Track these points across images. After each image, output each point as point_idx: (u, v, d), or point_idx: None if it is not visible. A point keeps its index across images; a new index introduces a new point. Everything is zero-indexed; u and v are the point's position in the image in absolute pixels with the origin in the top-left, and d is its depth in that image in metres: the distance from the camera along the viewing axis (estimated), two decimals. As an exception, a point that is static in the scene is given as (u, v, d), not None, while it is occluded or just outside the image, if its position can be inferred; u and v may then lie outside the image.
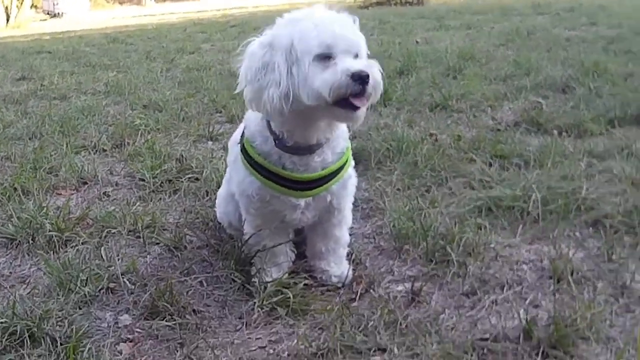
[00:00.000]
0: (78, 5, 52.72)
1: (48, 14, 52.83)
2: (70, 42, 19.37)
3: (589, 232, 3.73)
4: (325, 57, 2.74)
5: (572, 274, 3.23)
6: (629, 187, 4.19)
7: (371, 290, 3.24)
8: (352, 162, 3.29)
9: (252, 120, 3.14)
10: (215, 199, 4.13)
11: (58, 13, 51.25)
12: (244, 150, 3.16)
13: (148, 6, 67.20)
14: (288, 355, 2.81)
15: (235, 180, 3.31)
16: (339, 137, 3.12)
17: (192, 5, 54.11)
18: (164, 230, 4.15)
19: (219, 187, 4.39)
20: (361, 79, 2.67)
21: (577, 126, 5.64)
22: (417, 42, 12.72)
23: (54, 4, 52.84)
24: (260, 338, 2.97)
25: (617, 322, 2.86)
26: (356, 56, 2.80)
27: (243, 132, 3.21)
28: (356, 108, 2.74)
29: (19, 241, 4.07)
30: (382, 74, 2.80)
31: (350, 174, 3.24)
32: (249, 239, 3.34)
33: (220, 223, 3.96)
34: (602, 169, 4.66)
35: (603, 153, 5.02)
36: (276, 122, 2.98)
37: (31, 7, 48.01)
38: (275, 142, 3.04)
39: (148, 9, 56.69)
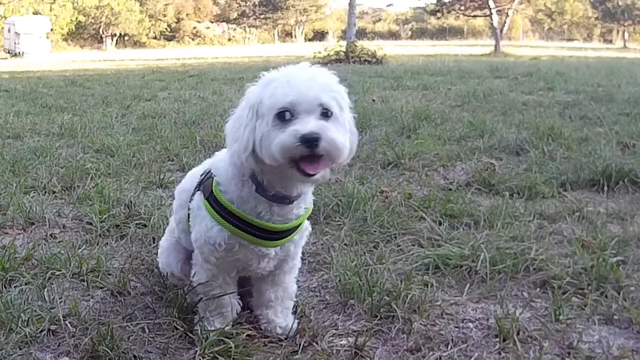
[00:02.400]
0: (39, 47, 52.73)
1: (9, 52, 52.77)
2: (29, 82, 19.27)
3: (536, 293, 3.74)
4: (286, 117, 2.70)
5: (518, 333, 3.22)
6: (579, 249, 4.22)
7: (314, 344, 3.20)
8: None
9: (221, 167, 3.10)
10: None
11: (19, 53, 51.22)
12: (212, 198, 3.09)
13: (109, 51, 67.44)
14: (228, 406, 2.76)
15: (197, 230, 3.18)
16: (308, 192, 3.11)
17: (152, 52, 54.32)
18: (108, 274, 4.08)
19: (166, 234, 4.37)
20: (308, 141, 2.61)
21: (529, 188, 5.69)
22: (373, 100, 12.82)
23: (15, 44, 52.83)
24: (200, 387, 2.92)
25: (562, 382, 2.86)
26: (327, 115, 2.73)
27: (208, 180, 3.16)
28: (307, 174, 2.70)
29: (-39, 279, 3.98)
30: (350, 135, 2.82)
31: (306, 225, 3.24)
32: (196, 286, 3.29)
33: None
34: (553, 231, 4.72)
35: (554, 215, 5.07)
36: (257, 170, 2.93)
37: (-8, 46, 47.93)
38: (256, 188, 3.00)
39: (108, 54, 56.82)
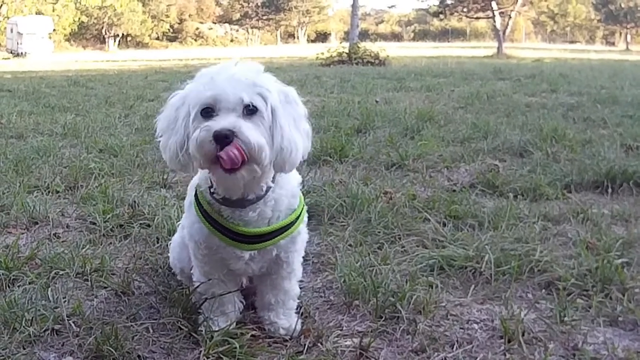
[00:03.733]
0: (42, 47, 52.84)
1: (11, 52, 52.84)
2: (32, 82, 19.30)
3: (541, 294, 3.72)
4: (209, 113, 2.74)
5: (523, 335, 3.21)
6: (583, 250, 4.21)
7: (319, 344, 3.20)
8: (305, 219, 3.28)
9: None
10: (166, 245, 4.11)
11: (21, 53, 51.31)
12: (196, 196, 3.14)
13: (111, 51, 67.55)
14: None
15: (186, 223, 3.30)
16: (282, 195, 3.07)
17: (154, 53, 54.35)
18: (112, 274, 4.08)
19: (170, 234, 4.38)
20: (219, 139, 2.63)
21: (533, 190, 5.68)
22: (376, 101, 12.83)
23: (17, 44, 52.93)
24: (204, 387, 2.92)
25: (567, 384, 2.86)
26: (252, 112, 2.73)
27: None
28: (226, 170, 2.70)
29: (-36, 278, 3.98)
30: (290, 132, 2.79)
31: (300, 231, 3.21)
32: (197, 286, 3.30)
33: (170, 270, 3.91)
34: (557, 233, 4.71)
35: (558, 217, 5.07)
36: (194, 169, 2.95)
37: (-6, 46, 47.96)
38: (210, 192, 3.03)
39: (111, 54, 56.91)
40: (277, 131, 2.77)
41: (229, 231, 3.03)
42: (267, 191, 2.99)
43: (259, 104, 2.74)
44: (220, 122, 2.65)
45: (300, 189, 3.24)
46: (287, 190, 3.09)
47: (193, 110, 2.78)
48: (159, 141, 2.97)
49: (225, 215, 3.03)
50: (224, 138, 2.62)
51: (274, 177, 2.99)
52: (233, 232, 3.03)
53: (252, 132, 2.66)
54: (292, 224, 3.12)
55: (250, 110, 2.73)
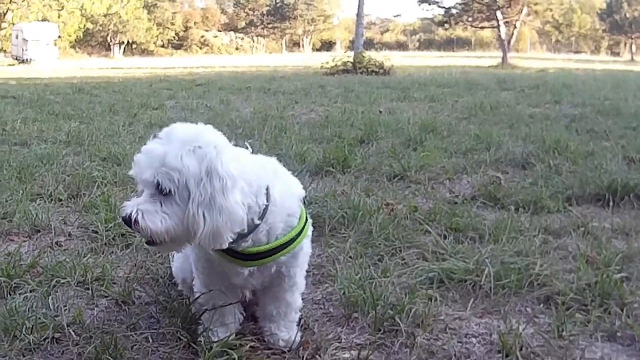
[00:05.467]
0: (47, 53, 52.96)
1: (16, 59, 52.94)
2: (36, 89, 19.33)
3: (540, 308, 3.73)
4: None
5: (521, 349, 3.22)
6: (583, 265, 4.21)
7: (317, 356, 3.21)
8: (310, 233, 3.28)
9: None
10: (167, 255, 4.12)
11: (26, 59, 51.41)
12: None
13: (116, 59, 67.64)
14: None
15: None
16: (276, 221, 3.04)
17: (159, 61, 54.43)
18: (113, 283, 4.09)
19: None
20: (125, 222, 2.75)
21: (534, 202, 5.69)
22: (380, 111, 12.84)
23: (22, 50, 53.05)
24: (203, 398, 2.93)
25: (565, 399, 2.86)
26: (163, 191, 2.72)
27: None
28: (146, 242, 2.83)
29: (-35, 286, 3.99)
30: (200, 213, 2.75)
31: (302, 246, 3.20)
32: (198, 297, 3.31)
33: (170, 280, 3.94)
34: (557, 246, 4.71)
35: (559, 230, 5.07)
36: None
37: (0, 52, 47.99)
38: None
39: (116, 62, 56.96)
40: (187, 214, 2.75)
41: (227, 249, 3.03)
42: (254, 228, 2.99)
43: (166, 185, 2.72)
44: (127, 208, 2.76)
45: (302, 202, 3.24)
46: (283, 214, 3.08)
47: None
48: None
49: None
50: (128, 222, 2.73)
51: (264, 213, 2.98)
52: (231, 250, 3.03)
53: (152, 218, 2.71)
54: (291, 240, 3.11)
55: (161, 190, 2.73)
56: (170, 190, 2.71)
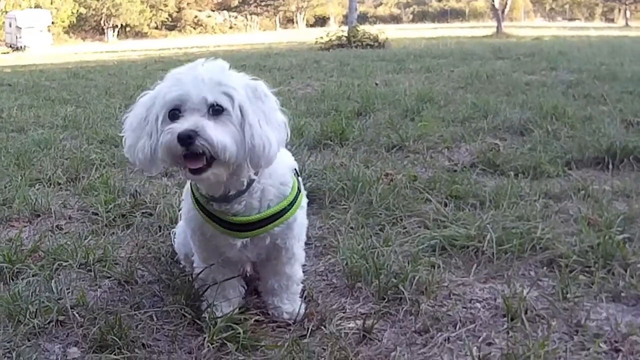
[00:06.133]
0: (41, 40, 52.79)
1: (10, 47, 52.79)
2: (31, 75, 19.26)
3: (543, 272, 3.73)
4: (176, 115, 2.75)
5: (526, 312, 3.22)
6: (585, 227, 4.20)
7: (322, 327, 3.21)
8: (304, 205, 3.29)
9: None
10: (168, 234, 4.13)
11: (21, 47, 51.26)
12: (192, 185, 3.16)
13: (110, 42, 67.39)
14: (237, 390, 2.77)
15: (182, 210, 3.34)
16: (268, 185, 3.07)
17: (154, 43, 54.27)
18: (115, 264, 4.09)
19: (172, 223, 4.42)
20: (183, 140, 2.64)
21: (533, 168, 5.68)
22: (376, 84, 12.78)
23: (17, 38, 52.89)
24: (209, 373, 2.93)
25: (572, 359, 2.86)
26: (218, 112, 2.73)
27: None
28: (192, 170, 2.73)
29: (-32, 272, 3.99)
30: (264, 130, 2.78)
31: (295, 217, 3.19)
32: (200, 273, 3.32)
33: (173, 257, 3.96)
34: (558, 210, 4.71)
35: (559, 194, 5.07)
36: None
37: (-7, 40, 47.92)
38: (196, 187, 3.09)
39: (110, 45, 56.81)
40: (247, 129, 2.75)
41: (220, 220, 3.05)
42: (249, 185, 3.00)
43: (224, 104, 2.73)
44: (184, 124, 2.67)
45: (300, 174, 3.24)
46: (275, 179, 3.09)
47: (161, 112, 2.80)
48: (123, 137, 2.99)
49: (213, 205, 3.05)
50: (186, 139, 2.64)
51: (258, 170, 2.99)
52: (224, 220, 3.05)
53: (215, 132, 2.67)
54: (284, 210, 3.11)
55: (215, 110, 2.73)
56: (225, 110, 2.73)
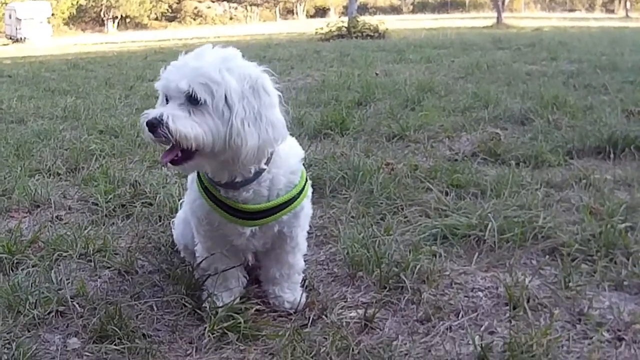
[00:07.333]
0: (41, 32, 52.66)
1: (10, 38, 52.69)
2: (31, 67, 19.21)
3: (545, 260, 3.72)
4: (167, 101, 2.80)
5: (528, 301, 3.22)
6: (587, 216, 4.21)
7: (324, 316, 3.21)
8: (309, 194, 3.27)
9: None
10: (168, 224, 4.12)
11: (20, 38, 51.14)
12: (198, 174, 3.15)
13: (110, 33, 67.30)
14: (238, 380, 2.76)
15: (187, 200, 3.33)
16: (279, 174, 3.06)
17: (153, 34, 54.22)
18: (115, 254, 4.09)
19: (172, 213, 4.39)
20: (148, 127, 2.70)
21: (535, 157, 5.67)
22: (376, 74, 12.76)
23: (16, 29, 52.77)
24: (210, 363, 2.92)
25: (574, 348, 2.86)
26: (195, 100, 2.73)
27: None
28: (169, 161, 2.79)
29: (-32, 263, 3.98)
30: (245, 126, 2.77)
31: (303, 206, 3.20)
32: (201, 262, 3.31)
33: (173, 247, 3.94)
34: (560, 199, 4.70)
35: (561, 183, 5.06)
36: None
37: (-7, 32, 47.86)
38: (206, 173, 3.07)
39: (110, 37, 56.72)
40: (229, 126, 2.75)
41: (229, 207, 3.04)
42: (257, 174, 2.99)
43: (201, 94, 2.73)
44: (154, 111, 2.72)
45: (302, 163, 3.23)
46: (285, 169, 3.09)
47: (161, 96, 2.87)
48: None
49: (222, 192, 3.05)
50: (151, 126, 2.69)
51: (269, 160, 2.98)
52: (233, 208, 3.04)
53: (182, 122, 2.69)
54: (293, 199, 3.12)
55: (193, 100, 2.73)
56: (204, 101, 2.72)
